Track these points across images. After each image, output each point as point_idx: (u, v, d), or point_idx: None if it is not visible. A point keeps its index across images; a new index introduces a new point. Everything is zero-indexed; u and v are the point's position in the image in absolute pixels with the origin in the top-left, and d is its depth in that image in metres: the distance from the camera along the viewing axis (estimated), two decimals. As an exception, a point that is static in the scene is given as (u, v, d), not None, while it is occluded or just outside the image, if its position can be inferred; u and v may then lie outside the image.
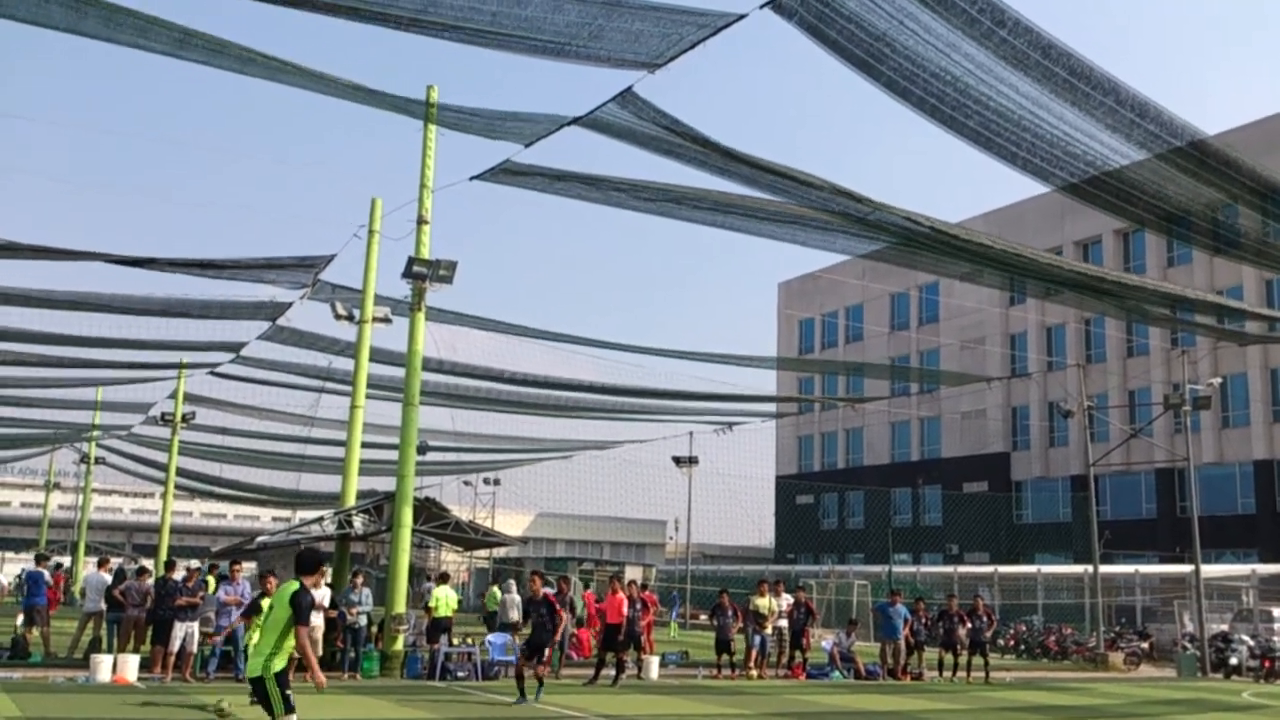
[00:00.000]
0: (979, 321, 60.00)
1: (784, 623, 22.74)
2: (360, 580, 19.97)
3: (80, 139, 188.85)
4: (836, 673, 22.79)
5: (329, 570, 20.95)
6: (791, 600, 23.13)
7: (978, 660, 23.66)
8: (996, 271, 20.16)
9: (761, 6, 9.85)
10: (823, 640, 25.65)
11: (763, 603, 22.20)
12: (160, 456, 40.09)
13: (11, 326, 22.33)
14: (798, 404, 58.92)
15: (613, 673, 19.16)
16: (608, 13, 9.88)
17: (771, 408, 39.81)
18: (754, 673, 21.73)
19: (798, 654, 22.74)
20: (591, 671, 19.41)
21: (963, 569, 46.39)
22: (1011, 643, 34.52)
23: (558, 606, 16.12)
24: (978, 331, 60.19)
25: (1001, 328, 59.71)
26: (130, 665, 16.98)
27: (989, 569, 45.80)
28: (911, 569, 49.67)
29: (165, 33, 12.68)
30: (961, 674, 23.51)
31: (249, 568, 23.27)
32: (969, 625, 23.54)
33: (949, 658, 23.70)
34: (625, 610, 19.31)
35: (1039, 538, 56.48)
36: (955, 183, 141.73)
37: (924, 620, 24.43)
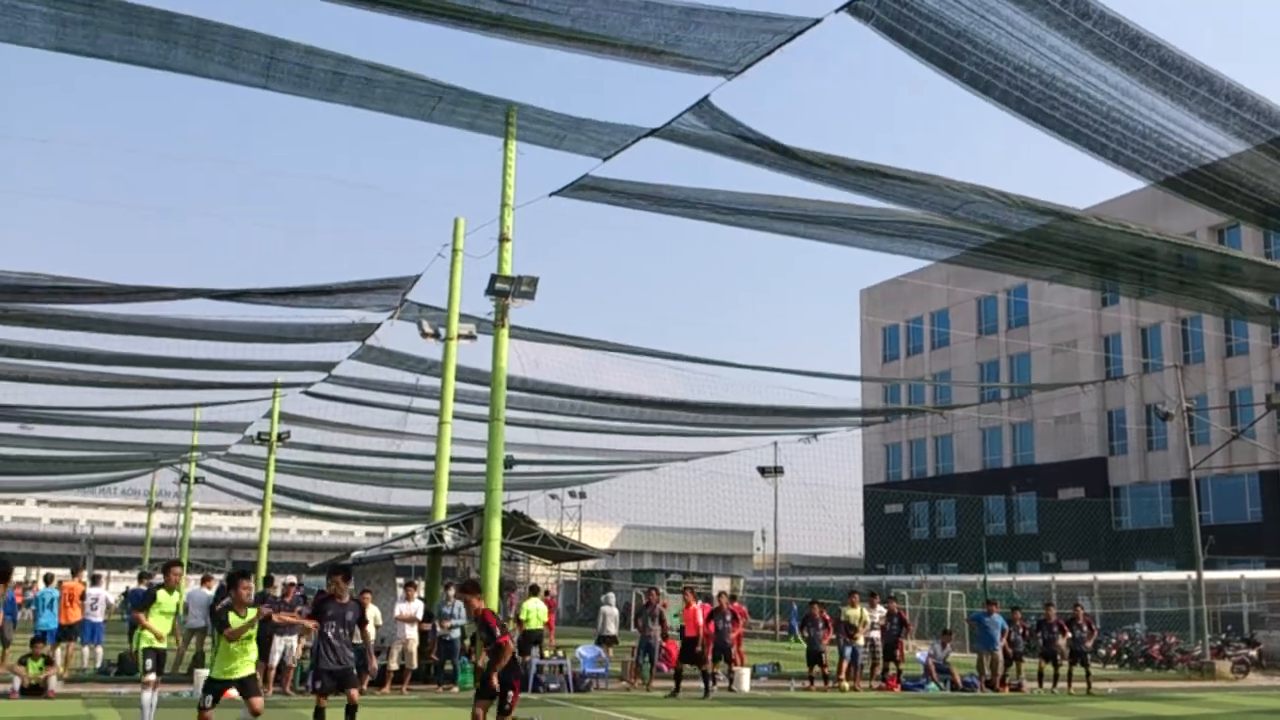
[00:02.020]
0: (1071, 324, 58.60)
1: (876, 634, 22.43)
2: (453, 593, 20.22)
3: (174, 171, 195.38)
4: (932, 684, 22.38)
5: (421, 584, 21.30)
6: (885, 611, 22.80)
7: (1079, 670, 23.04)
8: (1101, 267, 19.53)
9: (838, 10, 9.78)
10: (917, 652, 25.22)
11: (854, 613, 21.92)
12: (257, 475, 41.12)
13: (115, 350, 23.14)
14: (884, 414, 58.12)
15: (702, 684, 19.08)
16: (684, 23, 9.91)
17: (857, 417, 39.36)
18: (847, 685, 21.45)
19: (892, 665, 22.40)
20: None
21: (1061, 577, 45.27)
22: (1113, 652, 33.57)
23: (497, 629, 10.77)
24: (1070, 334, 58.79)
25: (1094, 329, 58.23)
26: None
27: (1088, 577, 44.62)
28: (1007, 578, 48.59)
29: (253, 56, 13.03)
30: (1062, 685, 22.91)
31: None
32: (1069, 635, 22.96)
33: (1049, 668, 23.12)
34: (699, 621, 19.30)
35: (1139, 544, 54.85)
36: (1042, 183, 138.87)
37: (1022, 630, 23.88)
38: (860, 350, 74.26)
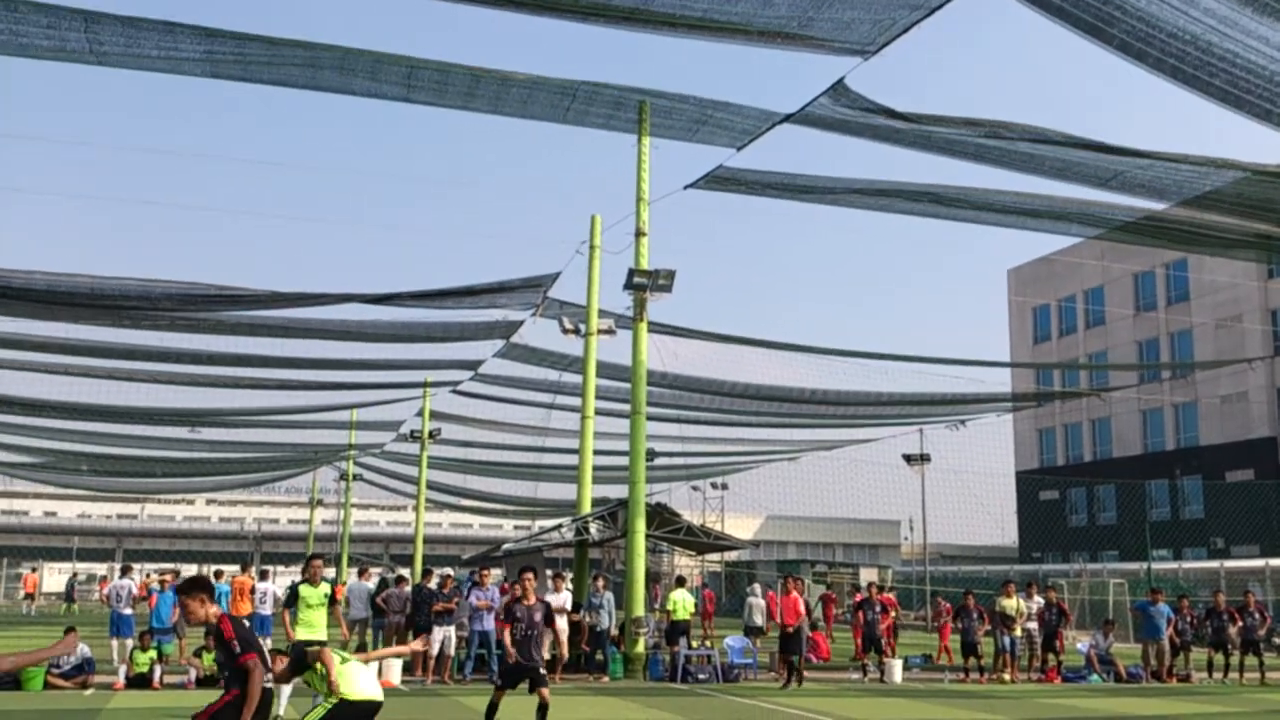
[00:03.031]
0: (1235, 298, 55.49)
1: (1033, 624, 21.75)
2: (601, 584, 20.49)
3: (326, 183, 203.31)
4: (1095, 676, 21.58)
5: (569, 575, 21.65)
6: (1042, 601, 22.09)
7: (1251, 660, 21.91)
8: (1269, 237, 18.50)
9: (977, -18, 9.50)
10: (1078, 642, 24.35)
11: (1010, 604, 21.29)
12: (411, 471, 42.50)
13: (275, 354, 24.26)
14: (1037, 398, 56.23)
15: (861, 674, 18.87)
16: (817, 3, 9.77)
17: (1008, 403, 38.18)
18: (1006, 676, 20.87)
19: (1051, 657, 21.68)
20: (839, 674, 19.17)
21: (1230, 564, 42.99)
22: (1291, 642, 31.73)
23: (236, 644, 6.73)
24: (1234, 308, 55.68)
25: (1261, 302, 54.99)
26: (395, 669, 18.07)
27: (1260, 563, 42.21)
28: (1172, 565, 46.39)
29: (395, 69, 13.48)
30: (1234, 675, 21.84)
31: (496, 573, 24.32)
32: (1241, 623, 21.87)
33: (1219, 658, 22.10)
34: (800, 610, 19.21)
35: (1317, 528, 51.62)
36: (1203, 149, 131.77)
37: (1190, 619, 22.83)
38: (1009, 332, 71.90)
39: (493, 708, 11.05)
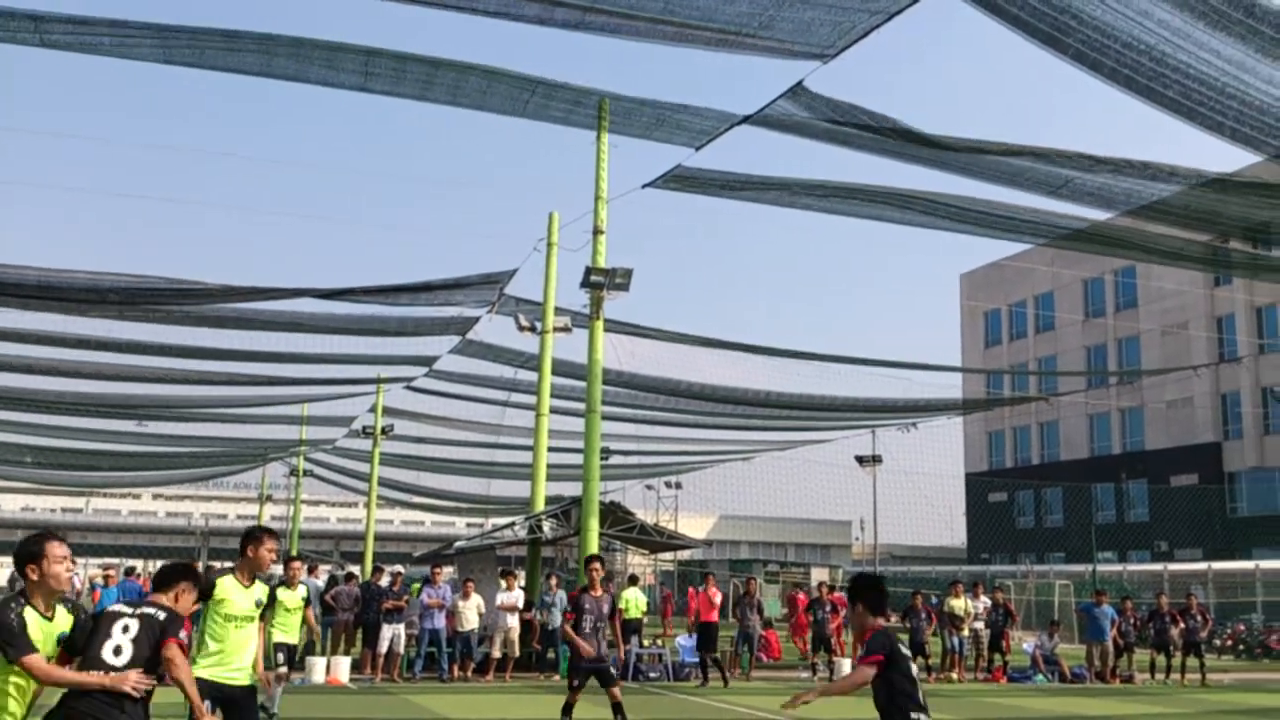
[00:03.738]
0: (1182, 305, 56.56)
1: (980, 624, 22.02)
2: (555, 583, 20.44)
3: (281, 176, 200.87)
4: (1040, 676, 21.89)
5: (521, 574, 21.58)
6: (989, 602, 22.37)
7: (1192, 662, 22.36)
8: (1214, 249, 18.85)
9: (936, -13, 9.58)
10: (1024, 643, 24.69)
11: (958, 604, 21.55)
12: (363, 468, 42.11)
13: (226, 346, 23.91)
14: (987, 404, 56.93)
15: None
16: (779, 1, 9.78)
17: (958, 407, 38.59)
18: (953, 676, 21.11)
19: (997, 657, 21.97)
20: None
21: (1173, 566, 43.80)
22: (1229, 643, 32.42)
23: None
24: (1181, 315, 56.76)
25: (1207, 310, 56.12)
26: (342, 667, 17.91)
27: (1202, 566, 43.11)
28: (1117, 568, 47.22)
29: (351, 58, 13.35)
30: (1175, 676, 22.24)
31: (448, 572, 24.17)
32: (1182, 625, 22.29)
33: (1161, 659, 22.52)
34: (715, 606, 19.44)
35: (1256, 531, 52.70)
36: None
37: (1133, 621, 23.24)
38: (961, 336, 72.78)
39: (569, 708, 10.49)
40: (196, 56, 13.73)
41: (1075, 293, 63.74)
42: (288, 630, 12.05)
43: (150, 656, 5.15)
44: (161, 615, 5.31)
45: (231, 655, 6.86)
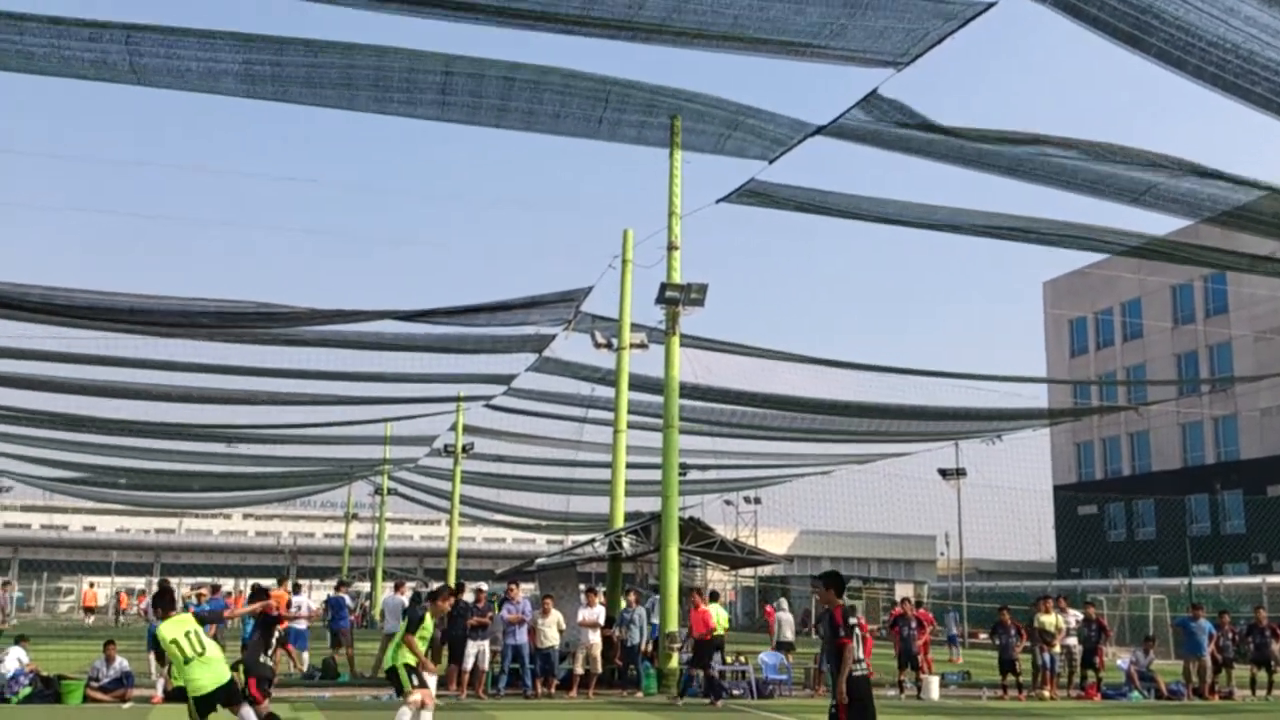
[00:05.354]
0: (1275, 309, 54.66)
1: (1073, 640, 21.45)
2: (634, 599, 20.42)
3: (359, 202, 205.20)
4: (1136, 693, 21.24)
5: (602, 590, 21.61)
6: (1081, 616, 21.80)
7: (1295, 678, 21.52)
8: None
9: (1012, -9, 9.43)
10: (1118, 659, 24.00)
11: (1048, 620, 21.02)
12: (445, 485, 42.64)
13: (312, 367, 24.45)
14: (1074, 414, 55.56)
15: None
16: (850, 11, 9.72)
17: (1044, 418, 37.76)
18: (1045, 693, 20.59)
19: (1091, 674, 21.37)
20: None
21: (1272, 579, 42.18)
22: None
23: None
24: (1275, 320, 54.82)
25: (1303, 313, 54.16)
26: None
27: (1304, 579, 41.45)
28: (1213, 581, 45.65)
29: (430, 76, 13.61)
30: (1277, 693, 21.42)
31: (527, 588, 24.32)
32: (1284, 640, 21.49)
33: (1262, 675, 21.72)
34: (710, 623, 18.39)
35: (1361, 543, 50.56)
36: (1245, 158, 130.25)
37: (1231, 635, 22.47)
38: (1045, 345, 71.20)
39: None
40: (279, 91, 14.12)
41: (1163, 299, 62.01)
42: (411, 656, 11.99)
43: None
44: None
45: None
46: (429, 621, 12.03)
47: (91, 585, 58.94)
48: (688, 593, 20.35)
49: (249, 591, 14.07)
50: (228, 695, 9.95)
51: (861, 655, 8.72)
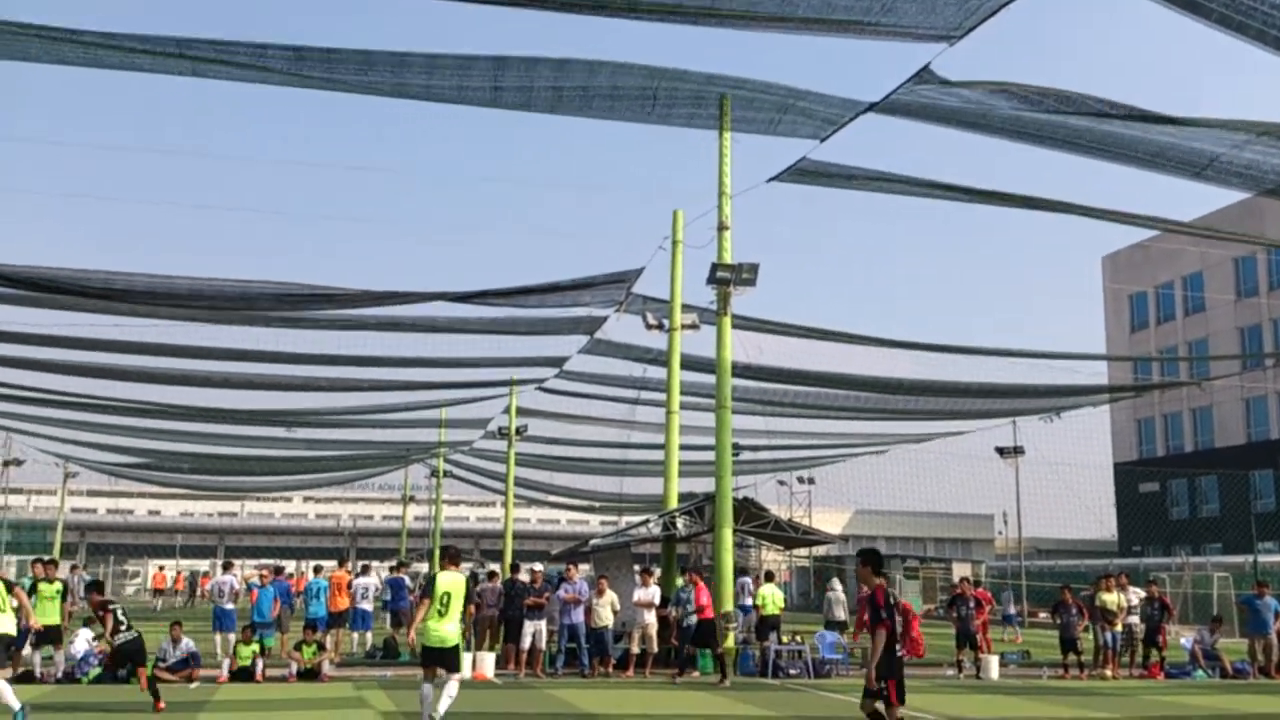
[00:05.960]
0: (1344, 280, 53.26)
1: (1134, 619, 21.16)
2: (689, 579, 20.45)
3: (430, 191, 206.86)
4: (1200, 672, 20.91)
5: (657, 571, 21.69)
6: (1144, 595, 21.48)
7: (1366, 656, 20.99)
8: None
9: (1067, -40, 9.25)
10: (1181, 638, 23.63)
11: (1110, 598, 20.74)
12: (499, 468, 43.00)
13: (367, 353, 24.78)
14: (1134, 389, 54.58)
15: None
16: (900, -15, 9.62)
17: (1105, 394, 37.16)
18: (1108, 673, 20.34)
19: (1154, 652, 21.07)
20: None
21: (1340, 556, 41.36)
22: None
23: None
24: (1344, 291, 53.44)
25: (1374, 284, 52.67)
26: (488, 662, 18.33)
27: (1374, 555, 40.50)
28: (1278, 558, 44.76)
29: (481, 71, 13.65)
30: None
31: (584, 569, 24.47)
32: (1354, 618, 20.97)
33: (1333, 653, 21.21)
34: (703, 600, 18.37)
35: None
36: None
37: (1298, 613, 21.96)
38: (1105, 320, 69.95)
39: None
40: (329, 74, 14.26)
41: (1226, 272, 60.61)
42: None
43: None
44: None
45: None
46: (439, 587, 11.50)
47: (161, 568, 60.41)
48: (743, 573, 20.39)
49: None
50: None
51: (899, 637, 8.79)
